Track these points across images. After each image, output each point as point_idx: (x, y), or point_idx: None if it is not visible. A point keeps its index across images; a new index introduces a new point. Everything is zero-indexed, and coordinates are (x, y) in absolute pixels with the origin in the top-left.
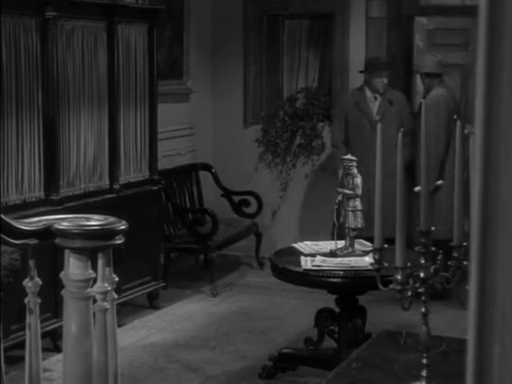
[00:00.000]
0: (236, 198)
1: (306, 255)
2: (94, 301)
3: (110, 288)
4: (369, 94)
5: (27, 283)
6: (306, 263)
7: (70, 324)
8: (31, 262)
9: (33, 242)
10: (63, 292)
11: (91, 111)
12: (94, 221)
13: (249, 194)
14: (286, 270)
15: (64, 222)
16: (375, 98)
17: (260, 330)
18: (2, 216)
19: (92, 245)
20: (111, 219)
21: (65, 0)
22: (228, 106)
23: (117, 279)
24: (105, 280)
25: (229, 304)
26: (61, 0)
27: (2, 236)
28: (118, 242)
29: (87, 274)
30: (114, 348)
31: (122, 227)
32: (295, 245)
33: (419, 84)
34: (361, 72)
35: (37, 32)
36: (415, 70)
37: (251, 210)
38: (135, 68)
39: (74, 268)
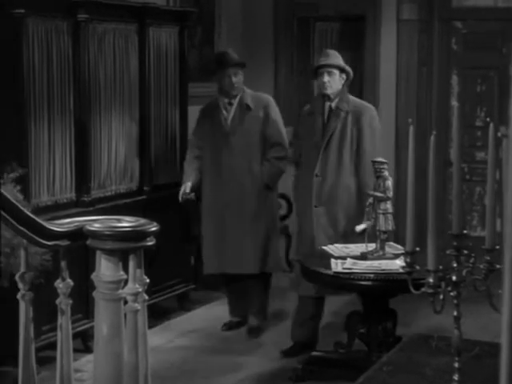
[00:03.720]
0: None
1: (337, 258)
2: (125, 302)
3: (140, 289)
4: (221, 99)
5: (59, 284)
6: (337, 266)
7: (101, 325)
8: (63, 263)
9: (64, 243)
10: (94, 293)
11: (122, 113)
12: (126, 222)
13: (280, 196)
14: (316, 272)
15: (95, 223)
16: (229, 104)
17: (288, 333)
18: (34, 217)
19: (123, 246)
20: (142, 221)
21: (97, 2)
22: None
23: (148, 281)
24: (136, 281)
25: None
26: (93, 2)
27: (34, 237)
28: (149, 243)
29: (118, 276)
30: (144, 349)
31: (153, 229)
32: (325, 247)
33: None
34: (211, 74)
35: (69, 34)
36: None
37: (281, 211)
38: (166, 70)
39: (105, 269)
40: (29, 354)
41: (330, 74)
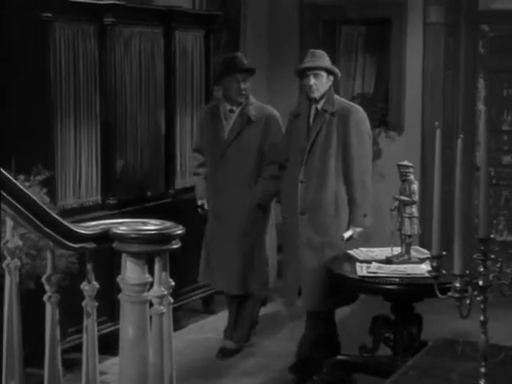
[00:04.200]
0: None
1: (362, 262)
2: (151, 305)
3: (166, 292)
4: (224, 106)
5: (85, 286)
6: (362, 270)
7: (127, 327)
8: (89, 266)
9: (90, 245)
10: (120, 296)
11: (148, 116)
12: (151, 225)
13: None
14: (341, 276)
15: (121, 226)
16: (231, 111)
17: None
18: (61, 219)
19: (149, 249)
20: (168, 224)
21: (123, 6)
22: (284, 111)
23: (173, 283)
24: (161, 284)
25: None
26: (119, 6)
27: (61, 239)
28: (175, 246)
29: (144, 278)
30: (169, 352)
31: (179, 232)
32: (350, 251)
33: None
34: (215, 80)
35: (95, 38)
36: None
37: None
38: (192, 73)
39: (131, 272)
40: (55, 355)
41: (316, 76)
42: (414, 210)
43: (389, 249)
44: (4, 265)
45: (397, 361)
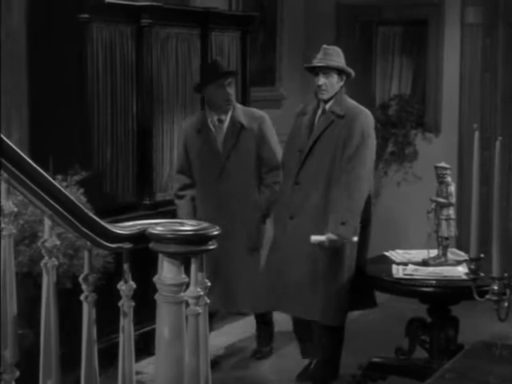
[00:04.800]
0: None
1: (398, 264)
2: (187, 305)
3: (202, 293)
4: (210, 115)
5: (121, 286)
6: (398, 272)
7: (163, 328)
8: (125, 266)
9: (127, 245)
10: (157, 296)
11: (184, 117)
12: (188, 226)
13: None
14: (377, 278)
15: (158, 226)
16: (220, 121)
17: (349, 338)
18: (98, 219)
19: (185, 250)
20: (205, 225)
21: (160, 7)
22: None
23: (209, 284)
24: (197, 285)
25: None
26: (156, 7)
27: (98, 239)
28: (211, 247)
29: (180, 279)
30: (205, 352)
31: (216, 232)
32: (387, 253)
33: None
34: (196, 90)
35: (132, 39)
36: None
37: None
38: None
39: (167, 272)
40: (91, 355)
41: (327, 75)
42: (451, 211)
43: (425, 251)
44: (42, 264)
45: (433, 364)
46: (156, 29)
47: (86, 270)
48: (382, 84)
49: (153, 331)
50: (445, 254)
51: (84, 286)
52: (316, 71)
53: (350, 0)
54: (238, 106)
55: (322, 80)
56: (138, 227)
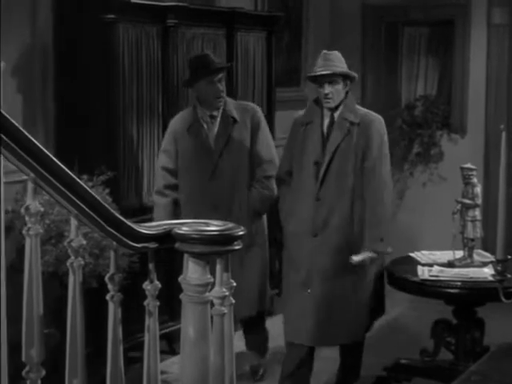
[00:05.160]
0: None
1: (423, 265)
2: (212, 305)
3: (227, 293)
4: (201, 111)
5: (147, 286)
6: (423, 273)
7: (188, 327)
8: (151, 266)
9: (153, 245)
10: (182, 296)
11: None
12: (213, 226)
13: None
14: (402, 279)
15: (184, 226)
16: (212, 117)
17: (374, 339)
18: (124, 219)
19: (211, 250)
20: (230, 225)
21: (186, 8)
22: None
23: (234, 284)
24: (223, 285)
25: None
26: (182, 8)
27: (124, 239)
28: (237, 247)
29: (205, 279)
30: (230, 352)
31: (241, 233)
32: (412, 254)
33: None
34: (185, 85)
35: (158, 39)
36: None
37: None
38: (253, 75)
39: (192, 272)
40: (117, 354)
41: (332, 83)
42: (477, 213)
43: (451, 252)
44: (68, 263)
45: (458, 366)
46: (182, 29)
47: (111, 270)
48: (407, 85)
49: (177, 331)
50: (471, 256)
51: (110, 286)
52: (319, 80)
53: (375, 0)
54: (229, 100)
55: (328, 88)
56: (164, 227)
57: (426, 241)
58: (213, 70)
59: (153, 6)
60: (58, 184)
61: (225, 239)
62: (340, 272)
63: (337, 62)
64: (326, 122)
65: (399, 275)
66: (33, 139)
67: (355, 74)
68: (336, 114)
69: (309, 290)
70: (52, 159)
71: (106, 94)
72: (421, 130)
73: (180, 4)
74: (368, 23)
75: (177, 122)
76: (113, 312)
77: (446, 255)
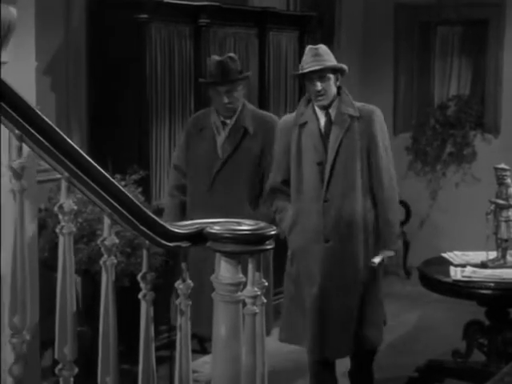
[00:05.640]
0: None
1: (456, 265)
2: (244, 304)
3: (259, 292)
4: (214, 116)
5: (179, 285)
6: (456, 274)
7: (220, 327)
8: (183, 265)
9: (185, 244)
10: (213, 295)
11: None
12: (245, 225)
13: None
14: (435, 280)
15: (216, 225)
16: (224, 124)
17: (406, 340)
18: (156, 218)
19: (242, 249)
20: (262, 224)
21: (218, 7)
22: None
23: (266, 284)
24: (254, 284)
25: None
26: (214, 7)
27: (156, 238)
28: (268, 247)
29: (237, 278)
30: (262, 352)
31: (273, 232)
32: (445, 254)
33: None
34: (206, 82)
35: (190, 39)
36: None
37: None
38: (285, 74)
39: (224, 271)
40: (149, 353)
41: (323, 79)
42: (511, 213)
43: (484, 253)
44: (101, 262)
45: (490, 367)
46: (214, 28)
47: (144, 269)
48: (440, 84)
49: None
50: (504, 256)
51: (142, 285)
52: (309, 77)
53: (409, 0)
54: (249, 107)
55: (319, 85)
56: (196, 226)
57: (458, 241)
58: (216, 82)
59: (185, 5)
60: (91, 183)
61: (257, 238)
62: (357, 280)
63: (325, 56)
64: (323, 120)
65: (432, 276)
66: (67, 138)
67: (345, 67)
68: (332, 111)
69: (323, 305)
70: (86, 158)
71: (138, 93)
72: (454, 130)
73: (212, 3)
74: (401, 23)
75: (192, 121)
76: (145, 310)
77: (479, 256)
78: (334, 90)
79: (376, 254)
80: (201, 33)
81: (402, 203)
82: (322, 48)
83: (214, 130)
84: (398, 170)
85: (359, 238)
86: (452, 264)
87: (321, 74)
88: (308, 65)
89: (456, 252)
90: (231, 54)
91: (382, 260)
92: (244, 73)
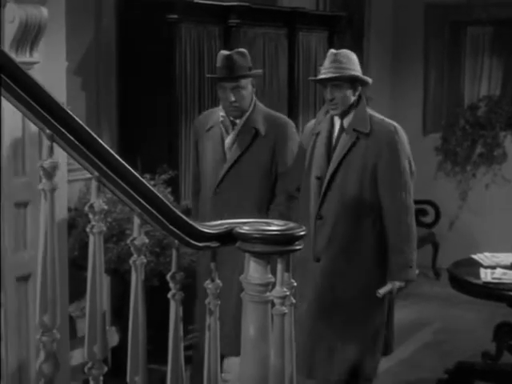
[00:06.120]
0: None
1: (486, 267)
2: (273, 305)
3: (288, 293)
4: (223, 114)
5: (208, 285)
6: (486, 275)
7: (249, 327)
8: (212, 265)
9: (215, 244)
10: (242, 295)
11: None
12: (275, 226)
13: (426, 202)
14: (464, 281)
15: (245, 226)
16: (233, 123)
17: (435, 342)
18: (186, 218)
19: (272, 249)
20: (291, 225)
21: (247, 8)
22: (407, 114)
23: (295, 284)
24: (284, 285)
25: (403, 314)
26: (243, 8)
27: (185, 238)
28: (298, 247)
29: (266, 278)
30: (290, 353)
31: (302, 233)
32: (474, 256)
33: None
34: (212, 78)
35: (220, 39)
36: None
37: (428, 219)
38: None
39: (253, 272)
40: (178, 352)
41: (336, 87)
42: None
43: None
44: (131, 261)
45: None
46: (244, 29)
47: (173, 268)
48: (470, 85)
49: None
50: None
51: (171, 284)
52: (323, 83)
53: (439, 0)
54: (261, 107)
55: (331, 93)
56: (225, 226)
57: (488, 243)
58: (222, 78)
59: (215, 5)
60: (121, 183)
61: (286, 239)
62: (344, 304)
63: (345, 63)
64: (336, 130)
65: (461, 277)
66: (98, 138)
67: (366, 78)
68: (345, 123)
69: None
70: (116, 158)
71: (168, 93)
72: (484, 130)
73: (242, 4)
74: (431, 23)
75: (199, 121)
76: (174, 310)
77: (509, 257)
78: (349, 99)
79: (384, 284)
80: (230, 33)
81: (432, 204)
82: (343, 54)
83: (222, 129)
84: (428, 171)
85: (355, 260)
86: (482, 266)
87: (334, 83)
88: (324, 71)
89: (486, 253)
90: (241, 49)
91: (390, 292)
92: (253, 70)
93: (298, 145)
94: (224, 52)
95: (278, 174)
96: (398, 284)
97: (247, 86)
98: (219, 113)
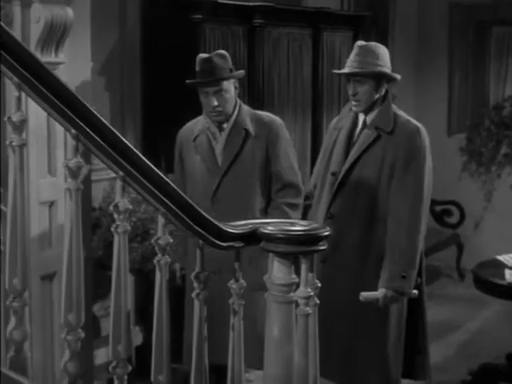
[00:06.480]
0: (438, 208)
1: (511, 268)
2: (297, 305)
3: (312, 293)
4: (208, 121)
5: (232, 285)
6: (511, 276)
7: (272, 327)
8: (236, 265)
9: (239, 244)
10: (266, 295)
11: (295, 117)
12: (299, 226)
13: (451, 203)
14: (489, 282)
15: (269, 226)
16: (220, 129)
17: (459, 343)
18: (210, 218)
19: (295, 250)
20: (315, 225)
21: (272, 8)
22: (432, 114)
23: (319, 285)
24: (308, 285)
25: (427, 315)
26: (268, 8)
27: (210, 238)
28: (322, 247)
29: (291, 279)
30: (314, 353)
31: (326, 233)
32: (499, 257)
33: None
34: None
35: (244, 39)
36: None
37: (453, 220)
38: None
39: (277, 272)
40: (202, 352)
41: (360, 82)
42: None
43: None
44: (155, 261)
45: None
46: (268, 29)
47: (197, 268)
48: (496, 85)
49: None
50: None
51: (195, 284)
52: (346, 77)
53: None
54: (245, 108)
55: (353, 88)
56: (250, 226)
57: None
58: (202, 82)
59: (239, 6)
60: (146, 182)
61: (310, 239)
62: (352, 311)
63: (370, 57)
64: (359, 127)
65: (486, 278)
66: (122, 138)
67: (392, 74)
68: (368, 119)
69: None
70: (141, 158)
71: (192, 93)
72: (509, 131)
73: (266, 4)
74: (456, 22)
75: (182, 133)
76: (198, 310)
77: None
78: (372, 96)
79: (373, 289)
80: (255, 33)
81: (456, 205)
82: (369, 47)
83: (210, 136)
84: (453, 172)
85: (360, 262)
86: (507, 266)
87: (357, 78)
88: (348, 63)
89: (511, 255)
90: (221, 51)
91: (377, 299)
92: (234, 71)
93: (289, 141)
94: (203, 55)
95: (273, 171)
96: (387, 292)
97: (230, 88)
98: (203, 120)
